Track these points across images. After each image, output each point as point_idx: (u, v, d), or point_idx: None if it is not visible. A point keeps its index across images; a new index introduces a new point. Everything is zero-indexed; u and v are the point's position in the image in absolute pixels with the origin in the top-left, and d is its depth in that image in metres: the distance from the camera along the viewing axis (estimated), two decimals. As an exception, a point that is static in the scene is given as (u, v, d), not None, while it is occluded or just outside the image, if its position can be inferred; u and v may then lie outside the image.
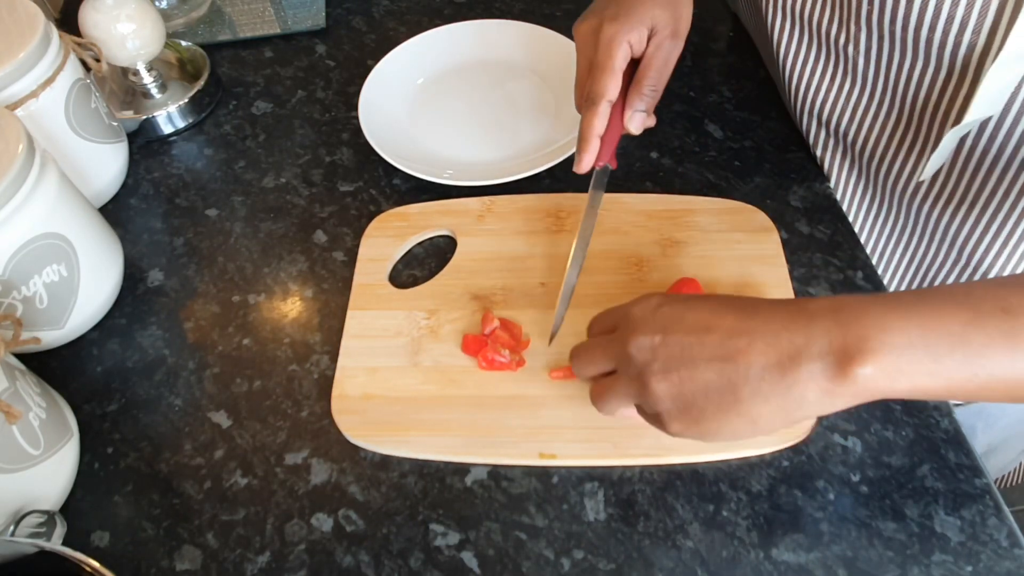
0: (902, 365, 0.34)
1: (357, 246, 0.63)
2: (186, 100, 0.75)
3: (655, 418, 0.41)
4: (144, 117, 0.74)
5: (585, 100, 0.54)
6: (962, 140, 0.54)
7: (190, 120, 0.76)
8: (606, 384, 0.44)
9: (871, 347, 0.34)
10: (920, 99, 0.55)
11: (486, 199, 0.65)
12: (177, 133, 0.75)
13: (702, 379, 0.38)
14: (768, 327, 0.37)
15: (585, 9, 0.58)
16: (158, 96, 0.75)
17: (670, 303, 0.41)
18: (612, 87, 0.53)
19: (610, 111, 0.54)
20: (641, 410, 0.43)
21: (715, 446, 0.50)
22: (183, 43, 0.80)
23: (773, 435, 0.50)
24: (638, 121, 0.55)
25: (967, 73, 0.50)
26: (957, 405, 0.70)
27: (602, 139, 0.55)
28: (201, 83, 0.76)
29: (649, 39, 0.54)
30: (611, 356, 0.43)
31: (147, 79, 0.75)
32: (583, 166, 0.55)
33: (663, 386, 0.39)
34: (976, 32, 0.47)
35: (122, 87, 0.75)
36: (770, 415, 0.37)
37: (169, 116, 0.75)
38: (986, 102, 0.49)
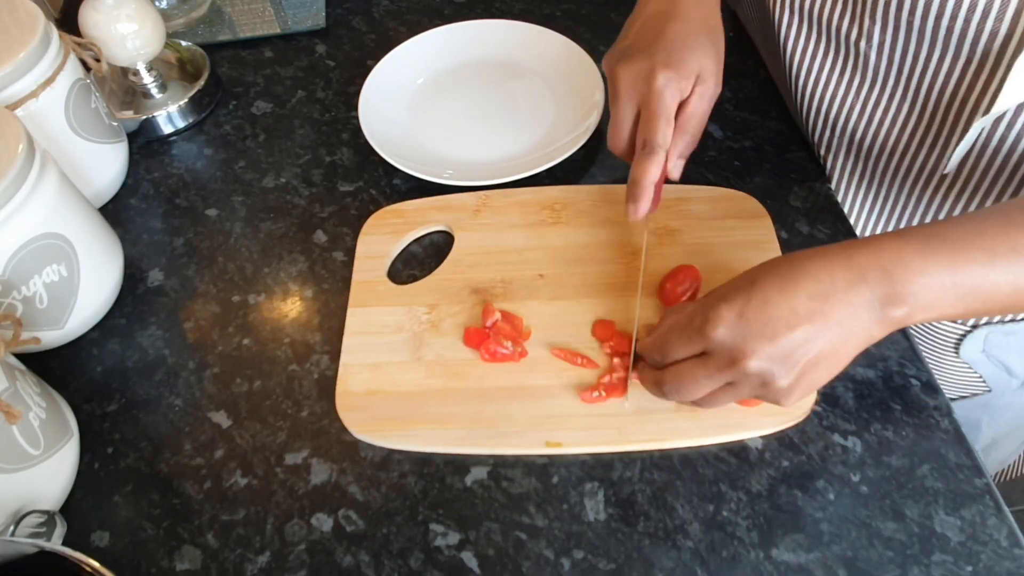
0: (932, 301, 0.41)
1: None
2: (186, 100, 0.75)
3: (773, 402, 0.45)
4: (144, 117, 0.74)
5: (641, 148, 0.54)
6: (981, 130, 0.53)
7: (190, 120, 0.76)
8: (716, 395, 0.46)
9: (911, 291, 0.41)
10: (937, 91, 0.54)
11: (481, 194, 0.65)
12: (177, 133, 0.75)
13: (817, 358, 0.42)
14: (836, 289, 0.42)
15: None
16: (158, 96, 0.75)
17: (744, 308, 0.43)
18: (669, 136, 0.54)
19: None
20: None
21: (719, 429, 0.51)
22: (183, 43, 0.80)
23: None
24: (679, 167, 0.56)
25: (987, 61, 0.50)
26: (963, 398, 0.70)
27: None
28: (201, 83, 0.76)
29: (695, 86, 0.54)
30: (722, 378, 0.44)
31: (147, 79, 0.75)
32: (639, 215, 0.55)
33: (790, 380, 0.43)
34: (999, 19, 0.47)
35: (122, 87, 0.75)
36: (849, 359, 0.44)
37: (169, 116, 0.74)
38: (1014, 91, 0.48)
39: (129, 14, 0.69)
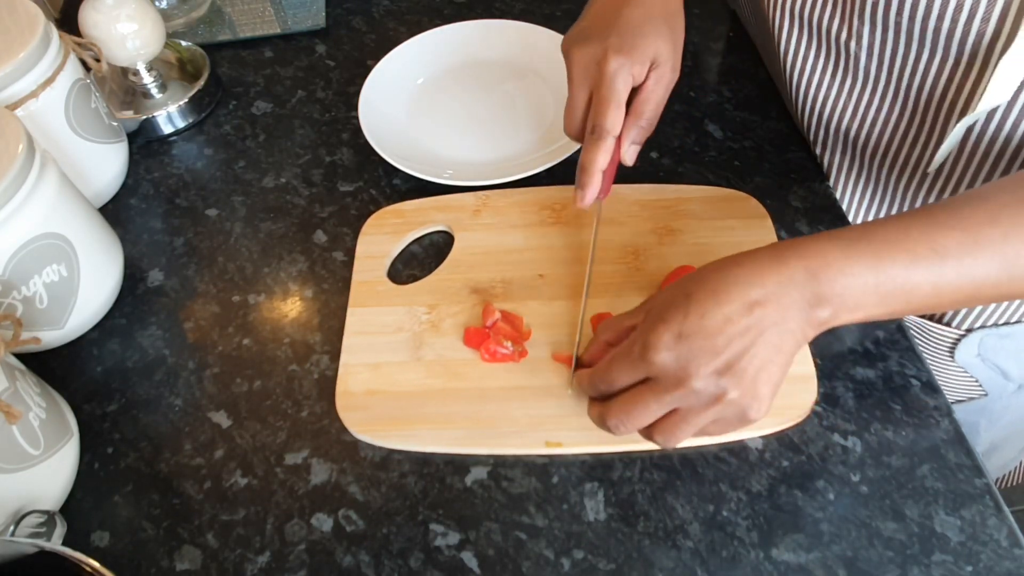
0: (857, 302, 0.41)
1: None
2: (186, 100, 0.75)
3: (738, 422, 0.44)
4: (144, 117, 0.74)
5: (590, 133, 0.53)
6: (969, 129, 0.54)
7: (190, 120, 0.76)
8: (673, 421, 0.44)
9: (835, 291, 0.41)
10: (925, 91, 0.55)
11: (481, 194, 0.65)
12: (177, 133, 0.75)
13: (763, 360, 0.42)
14: (767, 290, 0.42)
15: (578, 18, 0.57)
16: (158, 96, 0.75)
17: (682, 327, 0.42)
18: (619, 122, 0.53)
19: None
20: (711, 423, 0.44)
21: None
22: (183, 43, 0.80)
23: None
24: (633, 153, 0.55)
25: (975, 62, 0.50)
26: (960, 402, 0.70)
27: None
28: (201, 83, 0.76)
29: (649, 71, 0.54)
30: (671, 402, 0.43)
31: (147, 79, 0.75)
32: (587, 200, 0.54)
33: (741, 391, 0.42)
34: (985, 20, 0.47)
35: (122, 87, 0.75)
36: (791, 356, 0.43)
37: (169, 116, 0.74)
38: (997, 91, 0.49)
39: (129, 14, 0.69)
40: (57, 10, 0.90)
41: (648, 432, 0.45)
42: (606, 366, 0.46)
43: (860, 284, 0.41)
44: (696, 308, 0.42)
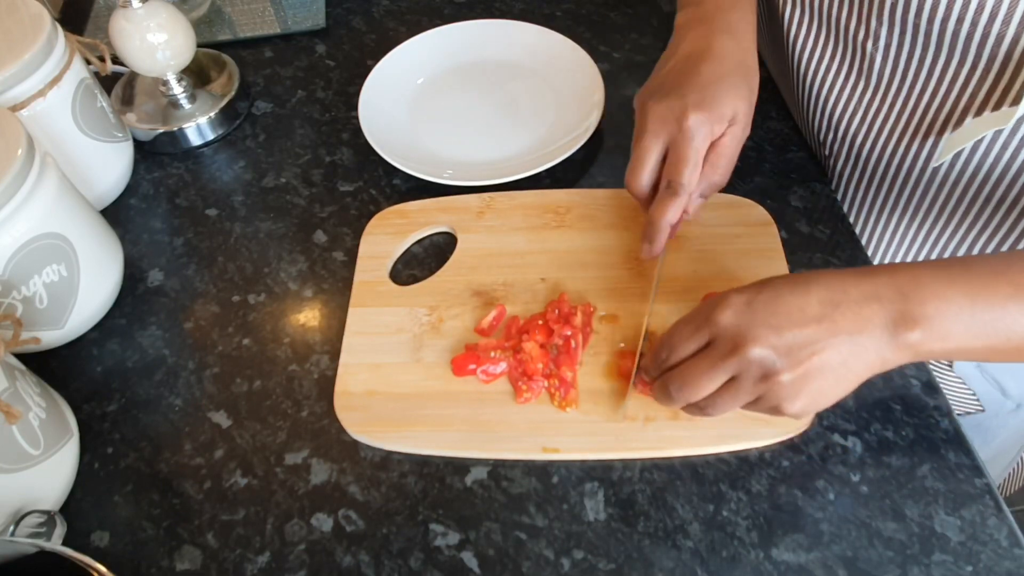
0: (950, 329, 0.40)
1: (357, 246, 0.63)
2: (217, 111, 0.73)
3: (773, 408, 0.43)
4: (175, 129, 0.72)
5: (665, 187, 0.53)
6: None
7: (220, 132, 0.74)
8: (721, 392, 0.44)
9: (925, 313, 0.40)
10: (939, 95, 0.54)
11: (485, 196, 0.65)
12: (206, 145, 0.74)
13: (823, 360, 0.41)
14: (849, 298, 0.41)
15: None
16: (187, 107, 0.73)
17: (753, 299, 0.42)
18: (695, 180, 0.52)
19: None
20: (752, 403, 0.44)
21: (716, 439, 0.51)
22: (208, 50, 0.79)
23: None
24: (699, 207, 0.55)
25: (992, 66, 0.49)
26: (958, 415, 0.69)
27: None
28: (232, 93, 0.74)
29: (727, 129, 0.53)
30: (726, 369, 0.42)
31: (176, 89, 0.73)
32: (654, 254, 0.54)
33: (792, 378, 0.41)
34: (1006, 22, 0.46)
35: (151, 96, 0.74)
36: (864, 375, 0.42)
37: (199, 128, 0.73)
38: None
39: (160, 24, 0.67)
40: (57, 10, 0.90)
41: (701, 403, 0.45)
42: (671, 329, 0.46)
43: (954, 310, 0.39)
44: (772, 289, 0.42)
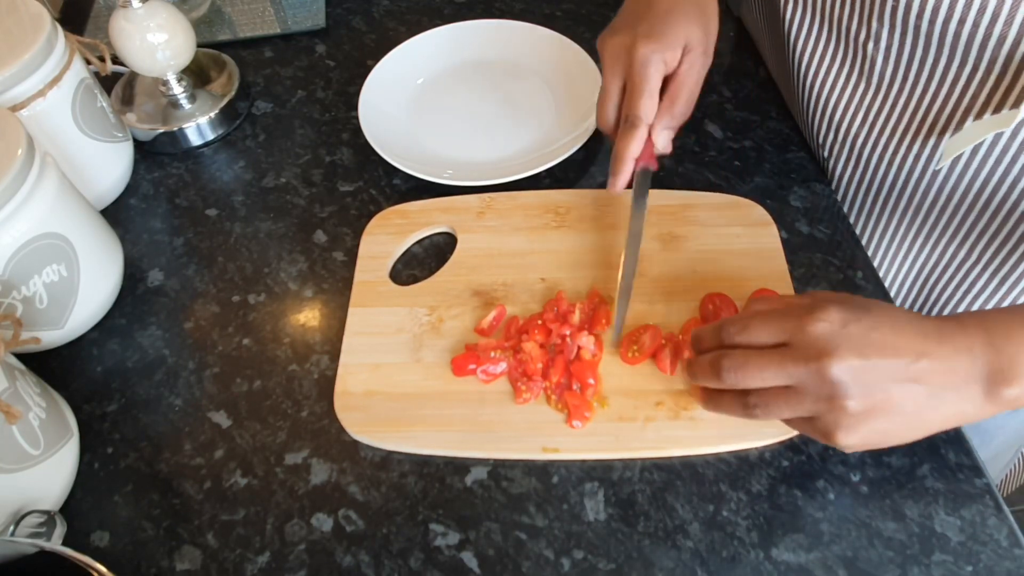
0: None
1: (357, 246, 0.63)
2: (217, 111, 0.73)
3: (825, 433, 0.41)
4: (175, 129, 0.72)
5: (624, 122, 0.53)
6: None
7: (220, 132, 0.74)
8: (777, 394, 0.42)
9: (1019, 371, 0.39)
10: (940, 98, 0.54)
11: (486, 196, 0.65)
12: (206, 145, 0.74)
13: (894, 402, 0.40)
14: (942, 349, 0.40)
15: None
16: (187, 107, 0.73)
17: (852, 321, 0.40)
18: (652, 109, 0.53)
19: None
20: (802, 420, 0.42)
21: (716, 438, 0.51)
22: (208, 49, 0.79)
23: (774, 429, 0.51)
24: (666, 139, 0.55)
25: (994, 68, 0.49)
26: None
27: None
28: (232, 93, 0.74)
29: (682, 57, 0.53)
30: (792, 375, 0.41)
31: (176, 89, 0.73)
32: (618, 188, 0.54)
33: (858, 408, 0.40)
34: (1008, 23, 0.46)
35: (152, 96, 0.74)
36: (936, 427, 0.41)
37: (199, 128, 0.73)
38: None
39: (160, 24, 0.67)
40: (57, 10, 0.90)
41: (746, 394, 0.43)
42: (752, 311, 0.44)
43: None
44: (871, 318, 0.40)
